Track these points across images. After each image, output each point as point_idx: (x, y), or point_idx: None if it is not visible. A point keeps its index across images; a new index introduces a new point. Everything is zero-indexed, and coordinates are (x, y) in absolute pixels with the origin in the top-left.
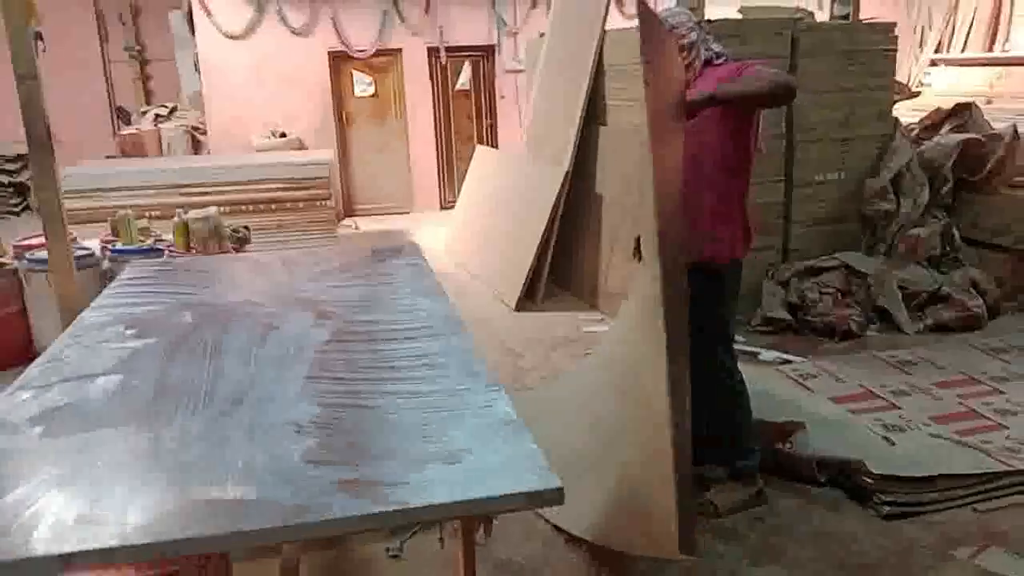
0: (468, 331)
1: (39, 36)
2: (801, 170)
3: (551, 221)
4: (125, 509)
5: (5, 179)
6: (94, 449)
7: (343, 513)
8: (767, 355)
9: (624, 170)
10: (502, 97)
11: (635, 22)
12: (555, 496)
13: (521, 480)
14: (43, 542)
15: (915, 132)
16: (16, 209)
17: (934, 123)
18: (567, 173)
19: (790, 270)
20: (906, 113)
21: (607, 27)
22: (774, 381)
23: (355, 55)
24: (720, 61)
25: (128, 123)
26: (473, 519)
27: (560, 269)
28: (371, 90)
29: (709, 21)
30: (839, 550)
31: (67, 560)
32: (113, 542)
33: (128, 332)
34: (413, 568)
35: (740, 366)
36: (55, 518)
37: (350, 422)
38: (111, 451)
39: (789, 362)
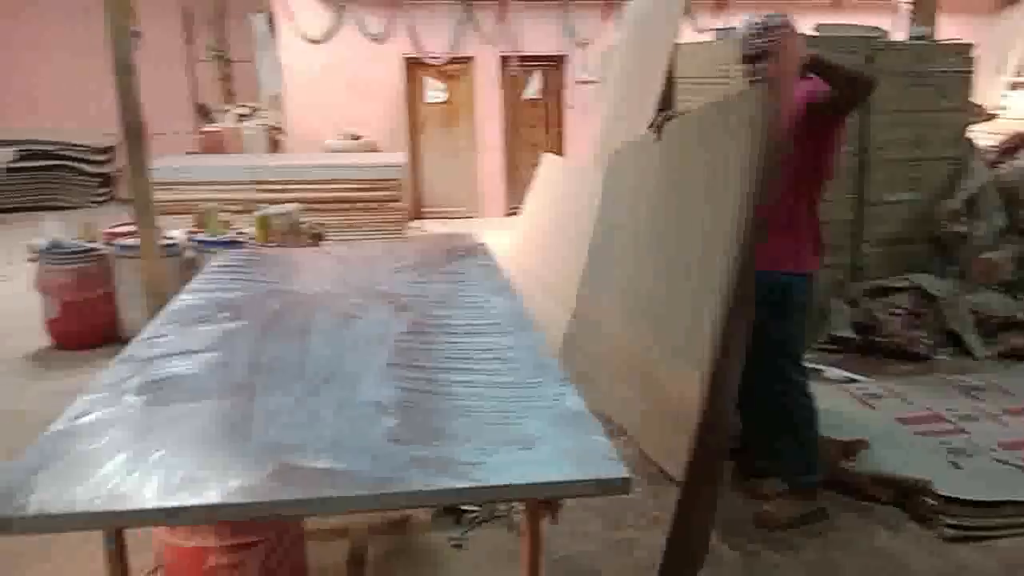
0: (539, 329)
1: (136, 34)
2: (873, 189)
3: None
4: (226, 472)
5: (93, 169)
6: (195, 418)
7: (423, 487)
8: (832, 373)
9: None
10: (571, 107)
11: (705, 36)
12: (622, 486)
13: (591, 468)
14: (153, 497)
15: (991, 155)
16: (102, 199)
17: (1012, 146)
18: None
19: (859, 289)
20: (982, 136)
21: (679, 41)
22: (838, 399)
23: (429, 62)
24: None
25: (210, 121)
26: (540, 505)
27: None
28: (443, 96)
29: None
30: (895, 568)
31: (174, 514)
32: (216, 500)
33: (222, 315)
34: (475, 558)
35: None
36: (163, 477)
37: (428, 406)
38: (211, 421)
39: (855, 381)
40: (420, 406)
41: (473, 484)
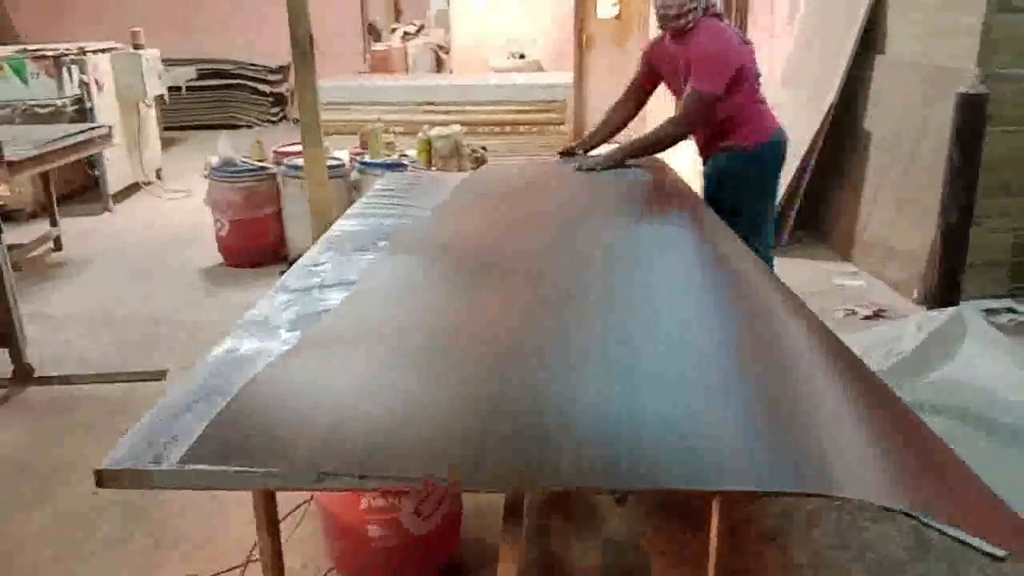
0: None
1: None
2: None
3: (806, 160)
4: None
5: (267, 89)
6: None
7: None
8: None
9: (901, 106)
10: (755, 23)
11: None
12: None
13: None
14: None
15: None
16: (275, 118)
17: None
18: (831, 106)
19: None
20: None
21: None
22: None
23: None
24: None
25: (378, 40)
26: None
27: (811, 215)
28: (615, 11)
29: None
30: None
31: (320, 478)
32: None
33: (381, 243)
34: (636, 513)
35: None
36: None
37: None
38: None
39: None
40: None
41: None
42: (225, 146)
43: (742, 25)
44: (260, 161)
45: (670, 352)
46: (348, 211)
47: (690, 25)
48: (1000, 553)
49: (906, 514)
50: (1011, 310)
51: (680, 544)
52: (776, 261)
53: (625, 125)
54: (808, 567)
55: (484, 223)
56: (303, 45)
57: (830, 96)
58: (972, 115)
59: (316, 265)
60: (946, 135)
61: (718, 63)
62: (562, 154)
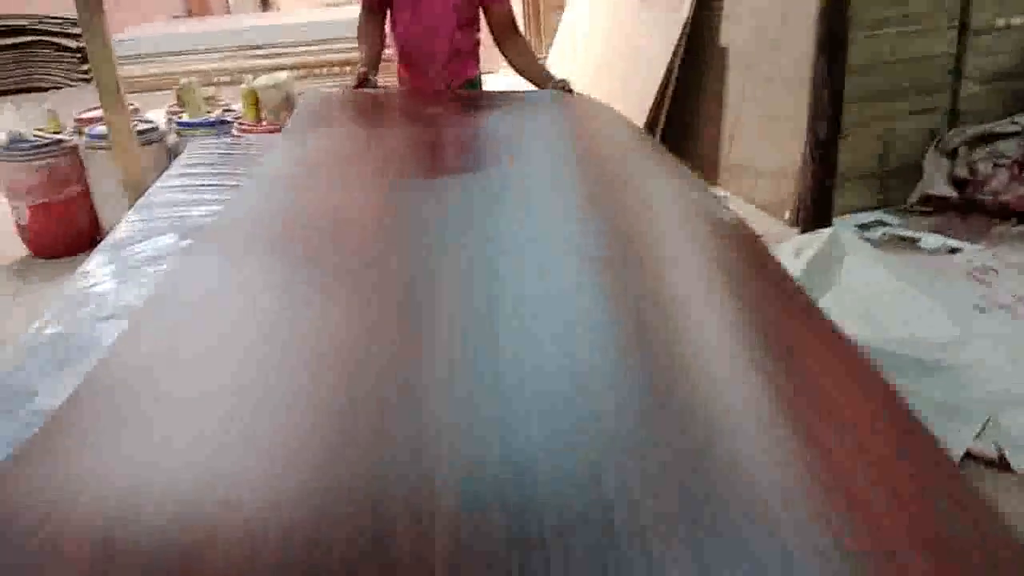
0: None
1: None
2: (979, 14)
3: (665, 80)
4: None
5: (73, 43)
6: None
7: None
8: (930, 241)
9: (756, 17)
10: None
11: None
12: None
13: None
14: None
15: None
16: (86, 76)
17: None
18: (686, 21)
19: (959, 137)
20: None
21: None
22: (947, 276)
23: None
24: None
25: None
26: None
27: (674, 138)
28: None
29: None
30: None
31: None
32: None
33: (183, 243)
34: None
35: (896, 255)
36: None
37: None
38: None
39: (959, 250)
40: None
41: None
42: (9, 119)
43: None
44: (56, 133)
45: (567, 358)
46: (142, 200)
47: None
48: None
49: None
50: (882, 223)
51: None
52: None
53: (384, 46)
54: None
55: (316, 195)
56: None
57: (684, 11)
58: (835, 20)
59: (92, 286)
60: (805, 46)
61: None
62: (358, 87)
